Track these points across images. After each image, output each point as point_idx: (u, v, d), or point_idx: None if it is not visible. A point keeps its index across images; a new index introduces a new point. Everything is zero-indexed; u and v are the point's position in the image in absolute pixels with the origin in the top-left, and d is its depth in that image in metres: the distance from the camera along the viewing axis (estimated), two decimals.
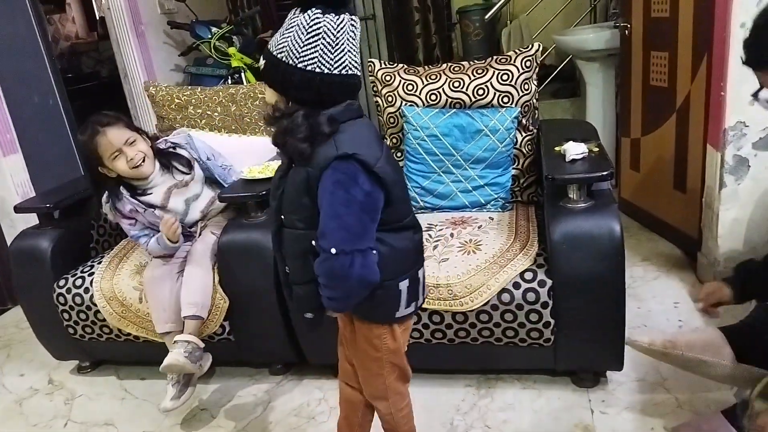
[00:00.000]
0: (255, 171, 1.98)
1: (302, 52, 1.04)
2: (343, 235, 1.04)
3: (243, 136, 2.32)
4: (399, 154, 2.15)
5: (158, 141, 1.99)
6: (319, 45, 1.03)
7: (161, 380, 1.81)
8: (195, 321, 1.77)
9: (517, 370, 1.81)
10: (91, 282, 1.94)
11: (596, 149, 1.69)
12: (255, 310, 1.84)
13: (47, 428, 1.91)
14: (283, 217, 1.15)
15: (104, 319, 1.92)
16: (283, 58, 1.05)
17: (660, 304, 2.10)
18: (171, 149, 1.97)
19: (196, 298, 1.78)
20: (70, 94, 3.03)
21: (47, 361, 2.18)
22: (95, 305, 1.91)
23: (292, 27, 1.04)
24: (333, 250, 1.03)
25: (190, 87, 2.20)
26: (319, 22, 1.03)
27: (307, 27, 1.03)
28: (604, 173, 1.56)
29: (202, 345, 1.76)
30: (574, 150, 1.65)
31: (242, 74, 3.54)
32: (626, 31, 2.59)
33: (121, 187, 1.88)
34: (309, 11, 1.03)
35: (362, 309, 1.18)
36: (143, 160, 1.84)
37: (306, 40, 1.03)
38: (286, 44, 1.05)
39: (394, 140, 2.15)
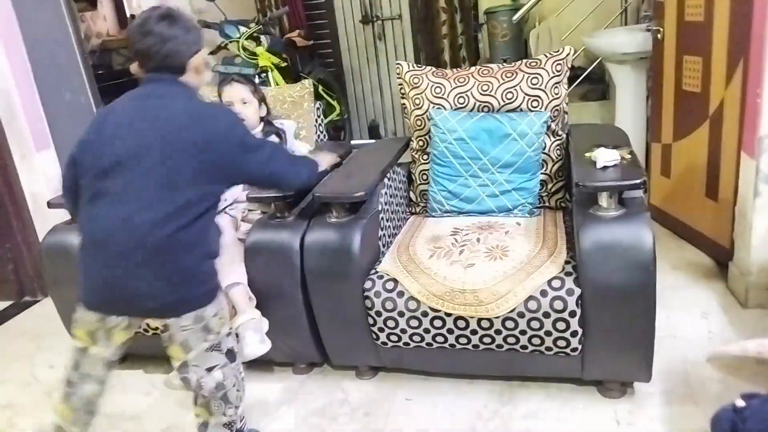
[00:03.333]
0: None
1: None
2: None
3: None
4: (425, 157, 2.14)
5: (275, 118, 2.25)
6: None
7: None
8: (238, 288, 1.80)
9: (542, 378, 1.79)
10: None
11: (628, 156, 1.67)
12: (281, 308, 1.86)
13: None
14: None
15: None
16: None
17: (689, 314, 2.07)
18: (279, 127, 2.20)
19: (227, 270, 1.78)
20: (100, 91, 3.08)
21: None
22: None
23: None
24: None
25: (218, 89, 2.23)
26: None
27: None
28: (637, 181, 1.54)
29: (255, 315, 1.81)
30: (606, 157, 1.63)
31: (269, 74, 3.56)
32: (658, 35, 2.54)
33: None
34: None
35: None
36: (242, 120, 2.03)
37: None
38: None
39: (421, 143, 2.15)
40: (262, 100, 2.19)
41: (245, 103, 2.12)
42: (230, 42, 3.53)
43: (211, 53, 3.69)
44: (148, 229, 1.34)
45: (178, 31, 1.41)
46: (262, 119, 2.19)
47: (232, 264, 1.82)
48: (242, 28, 3.54)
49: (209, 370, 1.48)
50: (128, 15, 5.52)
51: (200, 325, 1.43)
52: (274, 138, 2.18)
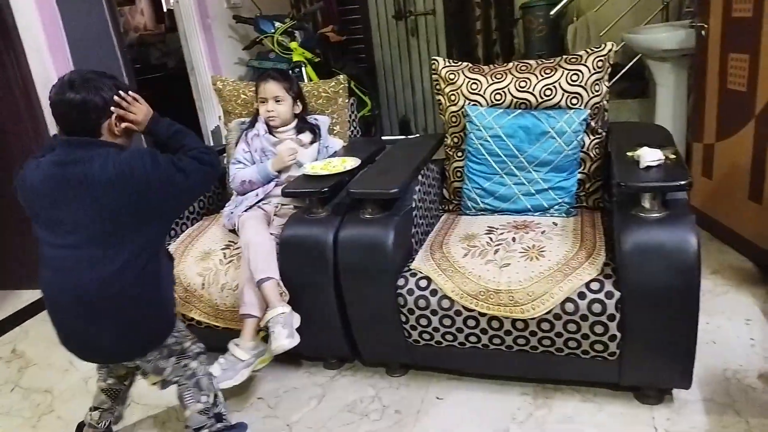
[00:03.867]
0: (317, 167, 2.00)
1: None
2: None
3: None
4: (460, 154, 2.12)
5: (309, 115, 2.27)
6: None
7: None
8: (251, 320, 1.81)
9: (577, 382, 1.76)
10: None
11: (673, 156, 1.62)
12: (313, 304, 1.86)
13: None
14: None
15: None
16: None
17: (729, 320, 2.00)
18: (313, 123, 2.23)
19: (250, 298, 1.82)
20: (138, 85, 3.15)
21: None
22: None
23: None
24: None
25: (255, 83, 2.25)
26: None
27: None
28: (682, 182, 1.49)
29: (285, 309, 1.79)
30: (650, 156, 1.58)
31: (302, 69, 3.58)
32: (702, 31, 2.47)
33: (261, 123, 2.19)
34: None
35: None
36: (275, 118, 2.15)
37: None
38: None
39: (455, 139, 2.13)
40: (297, 97, 2.19)
41: (278, 101, 2.14)
42: (265, 37, 3.55)
43: (246, 48, 3.73)
44: (95, 290, 1.38)
45: (84, 95, 1.39)
46: (296, 116, 2.19)
47: (264, 259, 1.83)
48: (277, 24, 3.56)
49: (184, 366, 1.60)
50: (165, 10, 5.60)
51: (164, 353, 1.55)
52: (307, 134, 2.20)
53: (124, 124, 1.47)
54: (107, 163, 1.38)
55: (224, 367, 1.74)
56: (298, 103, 2.19)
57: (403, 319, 1.75)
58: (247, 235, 1.88)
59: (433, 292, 1.70)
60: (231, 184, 2.19)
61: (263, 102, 2.16)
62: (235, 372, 1.73)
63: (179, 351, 1.58)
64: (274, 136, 2.19)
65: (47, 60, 2.64)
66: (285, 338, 1.74)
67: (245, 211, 2.05)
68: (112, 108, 1.44)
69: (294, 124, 2.19)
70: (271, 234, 1.96)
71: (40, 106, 2.64)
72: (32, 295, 2.80)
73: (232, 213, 2.10)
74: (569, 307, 1.55)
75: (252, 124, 2.22)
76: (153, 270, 1.45)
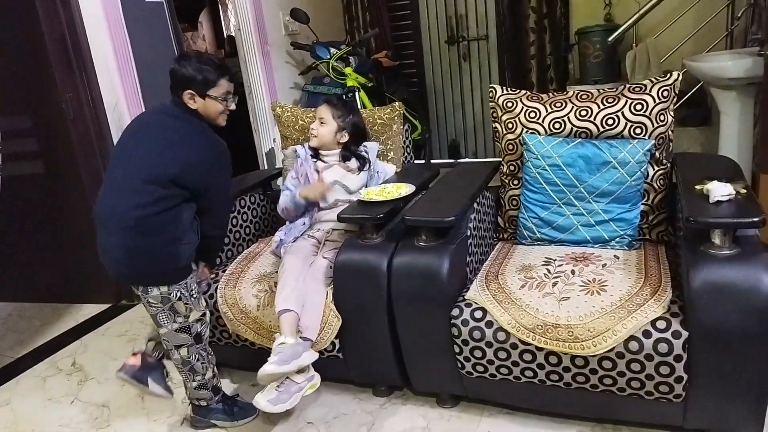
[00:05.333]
0: (372, 193, 2.01)
1: None
2: None
3: None
4: (516, 182, 2.10)
5: (359, 142, 2.27)
6: None
7: None
8: (285, 315, 1.82)
9: (638, 423, 1.68)
10: (216, 289, 2.04)
11: (743, 191, 1.55)
12: (365, 330, 1.86)
13: (166, 425, 2.03)
14: None
15: (224, 324, 2.02)
16: None
17: None
18: (362, 149, 2.26)
19: (306, 321, 1.83)
20: None
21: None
22: (218, 311, 2.02)
23: None
24: None
25: (313, 109, 2.30)
26: None
27: None
28: (755, 219, 1.42)
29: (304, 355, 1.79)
30: (720, 191, 1.52)
31: (356, 93, 3.63)
32: None
33: (306, 145, 2.29)
34: None
35: None
36: (313, 137, 2.22)
37: None
38: None
39: (512, 167, 2.10)
40: (347, 128, 2.21)
41: (323, 123, 2.19)
42: (320, 63, 3.63)
43: (302, 73, 3.82)
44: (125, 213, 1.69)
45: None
46: (340, 144, 2.22)
47: (290, 288, 1.85)
48: (332, 50, 3.63)
49: (177, 347, 1.81)
50: (225, 36, 5.82)
51: (167, 306, 1.74)
52: (353, 162, 2.22)
53: None
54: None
55: (280, 390, 1.75)
56: (345, 134, 2.21)
57: (457, 350, 1.73)
58: (307, 284, 1.90)
59: (489, 324, 1.67)
60: (278, 209, 2.25)
61: (313, 120, 2.24)
62: (289, 395, 1.73)
63: (183, 321, 1.78)
64: (321, 160, 2.23)
65: (116, 83, 2.77)
66: (269, 365, 1.70)
67: (294, 240, 2.09)
68: None
69: (338, 151, 2.22)
70: (324, 258, 1.97)
71: (108, 127, 2.75)
72: (92, 309, 2.91)
73: (281, 240, 2.13)
74: (633, 345, 1.49)
75: (302, 146, 2.29)
76: (174, 216, 1.71)
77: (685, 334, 1.46)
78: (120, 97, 2.79)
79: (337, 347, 1.91)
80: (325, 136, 2.20)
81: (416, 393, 1.99)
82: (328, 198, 2.17)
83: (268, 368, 1.70)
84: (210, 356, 1.88)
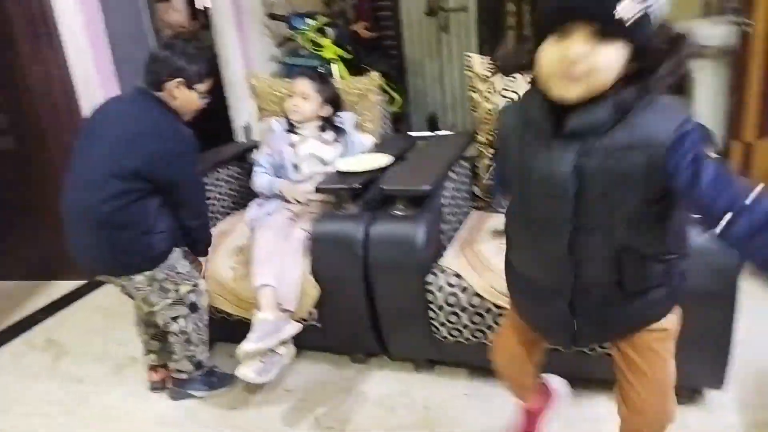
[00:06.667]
0: (350, 164, 2.01)
1: None
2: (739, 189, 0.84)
3: None
4: (492, 151, 2.11)
5: (336, 113, 2.24)
6: None
7: None
8: (263, 290, 1.82)
9: (608, 381, 1.72)
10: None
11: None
12: (343, 298, 1.87)
13: (144, 397, 2.03)
14: (579, 220, 0.91)
15: None
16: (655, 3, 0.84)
17: (766, 321, 1.95)
18: (338, 120, 2.23)
19: (286, 293, 1.83)
20: None
21: None
22: None
23: None
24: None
25: (289, 80, 2.27)
26: None
27: None
28: None
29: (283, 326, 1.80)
30: None
31: (334, 65, 3.59)
32: (746, 28, 2.40)
33: (284, 119, 2.23)
34: None
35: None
36: (296, 113, 2.17)
37: None
38: None
39: (489, 137, 2.11)
40: (328, 101, 2.19)
41: (305, 98, 2.16)
42: (298, 34, 3.57)
43: (278, 45, 3.76)
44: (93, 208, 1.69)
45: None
46: (320, 117, 2.20)
47: (265, 263, 1.84)
48: (309, 21, 3.58)
49: (174, 318, 1.82)
50: (199, 7, 5.67)
51: (155, 286, 1.76)
52: (329, 133, 2.20)
53: None
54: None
55: (264, 360, 1.75)
56: (327, 107, 2.20)
57: (432, 315, 1.75)
58: (283, 257, 1.89)
59: (464, 289, 1.69)
60: (251, 185, 2.23)
61: (291, 96, 2.19)
62: (272, 365, 1.75)
63: (175, 295, 1.79)
64: (295, 132, 2.20)
65: (87, 56, 2.70)
66: (247, 342, 1.71)
67: (269, 214, 2.08)
68: None
69: (315, 123, 2.21)
70: (302, 229, 1.97)
71: (80, 105, 2.70)
72: (67, 286, 2.88)
73: (256, 215, 2.11)
74: None
75: (278, 121, 2.25)
76: (141, 208, 1.70)
77: None
78: (91, 70, 2.73)
79: (315, 316, 1.92)
80: (307, 111, 2.17)
81: (394, 359, 2.02)
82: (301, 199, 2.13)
83: (246, 346, 1.70)
84: (205, 328, 1.90)
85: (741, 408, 1.61)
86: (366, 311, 1.86)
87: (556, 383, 1.52)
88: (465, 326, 1.72)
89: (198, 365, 1.92)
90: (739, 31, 2.46)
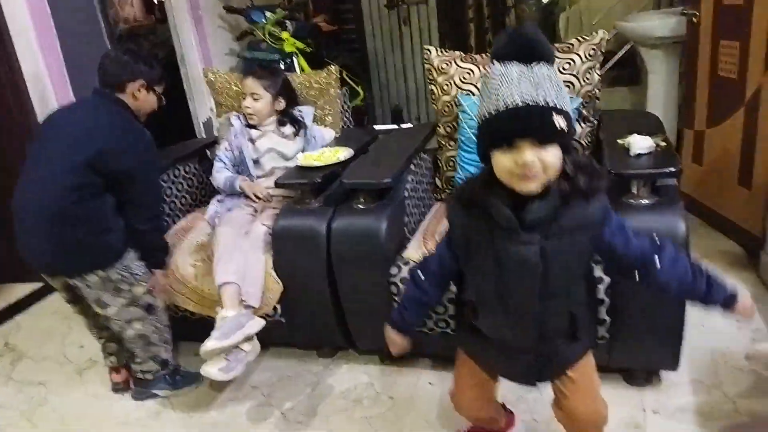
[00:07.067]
0: (310, 158, 2.00)
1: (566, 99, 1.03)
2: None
3: None
4: (452, 143, 2.13)
5: (295, 108, 2.23)
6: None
7: None
8: (226, 287, 1.79)
9: None
10: None
11: (663, 143, 1.63)
12: (306, 294, 1.87)
13: (106, 399, 2.00)
14: (544, 291, 1.10)
15: None
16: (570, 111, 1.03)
17: None
18: (298, 114, 2.21)
19: (247, 288, 1.82)
20: None
21: None
22: None
23: (546, 80, 0.98)
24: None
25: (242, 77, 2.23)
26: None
27: (555, 77, 1.01)
28: (672, 170, 1.50)
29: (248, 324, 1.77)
30: (640, 144, 1.60)
31: (294, 59, 3.56)
32: (694, 19, 2.48)
33: (242, 116, 2.20)
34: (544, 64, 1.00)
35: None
36: (251, 115, 2.15)
37: (561, 88, 1.02)
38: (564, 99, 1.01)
39: (448, 128, 2.13)
40: (280, 93, 2.17)
41: (256, 98, 2.13)
42: (256, 28, 3.53)
43: (237, 39, 3.71)
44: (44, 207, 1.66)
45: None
46: (278, 112, 2.18)
47: (227, 261, 1.82)
48: (268, 14, 3.54)
49: (128, 322, 1.79)
50: (155, 0, 5.54)
51: (110, 287, 1.72)
52: (288, 127, 2.19)
53: None
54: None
55: (229, 358, 1.73)
56: (281, 100, 2.17)
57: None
58: (245, 252, 1.88)
59: None
60: (212, 181, 2.20)
61: (244, 97, 2.16)
62: (238, 362, 1.73)
63: (130, 296, 1.75)
64: (255, 128, 2.18)
65: (37, 55, 2.61)
66: (210, 340, 1.68)
67: (229, 210, 2.06)
68: None
69: (274, 118, 2.18)
70: (263, 224, 1.96)
71: (31, 102, 2.61)
72: (24, 289, 2.79)
73: (216, 210, 2.10)
74: None
75: (237, 117, 2.21)
76: (97, 205, 1.68)
77: (607, 279, 1.54)
78: (42, 71, 2.64)
79: (279, 312, 1.92)
80: (262, 110, 2.15)
81: (360, 352, 2.03)
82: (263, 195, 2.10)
83: (209, 344, 1.67)
84: (166, 327, 1.87)
85: (696, 388, 1.67)
86: (331, 305, 1.86)
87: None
88: (428, 317, 1.74)
89: (164, 364, 1.90)
90: (688, 22, 2.53)
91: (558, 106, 0.97)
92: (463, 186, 1.13)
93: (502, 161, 1.00)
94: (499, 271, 1.10)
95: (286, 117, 2.20)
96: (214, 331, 1.72)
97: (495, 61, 1.00)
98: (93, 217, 1.68)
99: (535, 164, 0.98)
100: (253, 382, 1.97)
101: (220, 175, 2.16)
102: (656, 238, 1.11)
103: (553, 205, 1.03)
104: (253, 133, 2.18)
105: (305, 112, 2.24)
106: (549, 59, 1.00)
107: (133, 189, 1.73)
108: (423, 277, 1.24)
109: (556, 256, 1.06)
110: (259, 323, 1.80)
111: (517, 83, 0.96)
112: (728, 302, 1.10)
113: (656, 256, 1.08)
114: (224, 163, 2.18)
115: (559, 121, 0.97)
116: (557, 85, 0.99)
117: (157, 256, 1.84)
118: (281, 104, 2.18)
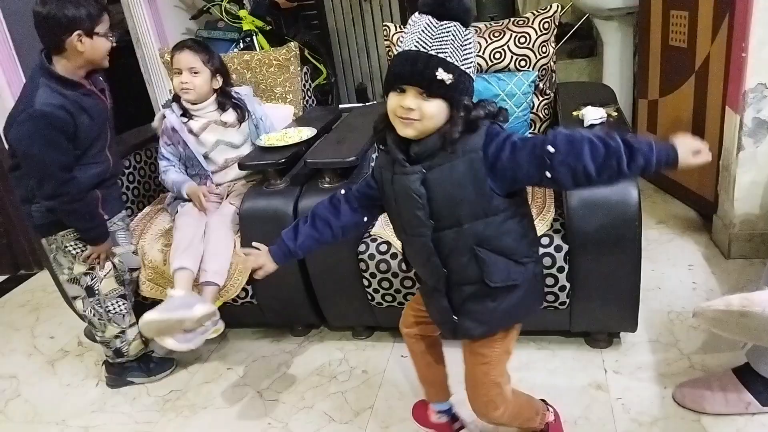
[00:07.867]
0: (273, 139, 2.00)
1: (467, 60, 1.06)
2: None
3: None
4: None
5: (231, 89, 2.10)
6: (473, 54, 1.08)
7: None
8: (211, 287, 1.82)
9: (532, 332, 1.85)
10: None
11: (615, 114, 1.69)
12: (277, 274, 1.86)
13: (80, 387, 2.00)
14: (436, 221, 1.13)
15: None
16: (467, 70, 1.06)
17: (674, 267, 2.13)
18: (235, 96, 2.09)
19: (213, 266, 1.83)
20: None
21: (75, 324, 2.23)
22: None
23: (448, 36, 1.03)
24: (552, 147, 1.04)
25: (171, 53, 2.15)
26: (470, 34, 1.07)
27: (462, 37, 1.05)
28: None
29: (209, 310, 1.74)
30: (593, 115, 1.65)
31: (254, 38, 3.51)
32: None
33: (176, 104, 2.03)
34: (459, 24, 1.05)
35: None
36: (189, 91, 1.98)
37: (465, 49, 1.06)
38: (470, 58, 1.06)
39: None
40: (217, 70, 2.02)
41: (195, 73, 1.97)
42: (213, 5, 3.45)
43: (193, 18, 3.62)
44: None
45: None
46: (215, 90, 2.03)
47: (184, 249, 1.82)
48: None
49: (73, 299, 1.86)
50: None
51: (52, 256, 1.81)
52: (230, 113, 2.05)
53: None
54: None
55: (186, 332, 1.73)
56: (218, 77, 2.02)
57: (366, 283, 1.80)
58: (211, 230, 1.88)
59: (393, 256, 1.75)
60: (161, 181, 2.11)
61: (178, 73, 1.98)
62: (194, 335, 1.72)
63: (69, 273, 1.80)
64: (192, 118, 2.02)
65: None
66: (151, 312, 1.65)
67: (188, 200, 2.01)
68: None
69: (213, 99, 2.03)
70: (231, 204, 1.95)
71: None
72: None
73: (175, 201, 2.04)
74: None
75: (169, 108, 2.04)
76: (21, 174, 1.72)
77: (566, 247, 1.60)
78: None
79: (250, 293, 1.94)
80: (201, 86, 1.97)
81: (332, 329, 2.07)
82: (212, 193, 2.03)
83: (148, 315, 1.62)
84: (111, 314, 1.84)
85: (654, 347, 1.76)
86: (301, 284, 1.89)
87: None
88: (397, 291, 1.78)
89: (118, 353, 1.89)
90: None
91: (448, 60, 1.02)
92: (375, 123, 1.18)
93: (390, 102, 1.08)
94: (395, 204, 1.17)
95: (224, 98, 2.05)
96: (157, 306, 1.69)
97: (416, 13, 1.06)
98: (20, 185, 1.74)
99: (414, 112, 1.04)
100: (228, 363, 1.99)
101: (167, 176, 2.04)
102: (551, 131, 1.07)
103: (435, 142, 1.08)
104: (193, 125, 2.02)
105: (243, 93, 2.13)
106: (462, 20, 1.04)
107: (24, 163, 1.67)
108: (340, 198, 1.29)
109: (438, 183, 1.10)
110: (206, 308, 1.70)
111: (420, 33, 1.03)
112: (667, 158, 0.99)
113: (549, 146, 1.03)
114: (169, 160, 2.06)
115: (443, 74, 1.01)
116: (461, 45, 1.04)
117: (86, 232, 1.75)
118: (218, 82, 2.03)
